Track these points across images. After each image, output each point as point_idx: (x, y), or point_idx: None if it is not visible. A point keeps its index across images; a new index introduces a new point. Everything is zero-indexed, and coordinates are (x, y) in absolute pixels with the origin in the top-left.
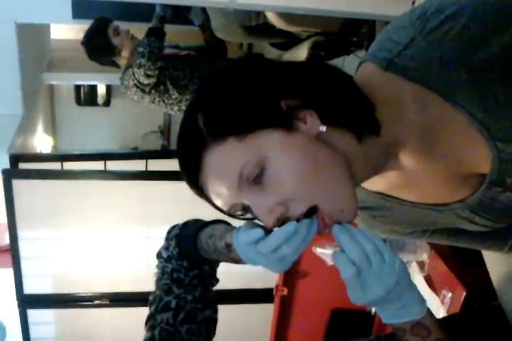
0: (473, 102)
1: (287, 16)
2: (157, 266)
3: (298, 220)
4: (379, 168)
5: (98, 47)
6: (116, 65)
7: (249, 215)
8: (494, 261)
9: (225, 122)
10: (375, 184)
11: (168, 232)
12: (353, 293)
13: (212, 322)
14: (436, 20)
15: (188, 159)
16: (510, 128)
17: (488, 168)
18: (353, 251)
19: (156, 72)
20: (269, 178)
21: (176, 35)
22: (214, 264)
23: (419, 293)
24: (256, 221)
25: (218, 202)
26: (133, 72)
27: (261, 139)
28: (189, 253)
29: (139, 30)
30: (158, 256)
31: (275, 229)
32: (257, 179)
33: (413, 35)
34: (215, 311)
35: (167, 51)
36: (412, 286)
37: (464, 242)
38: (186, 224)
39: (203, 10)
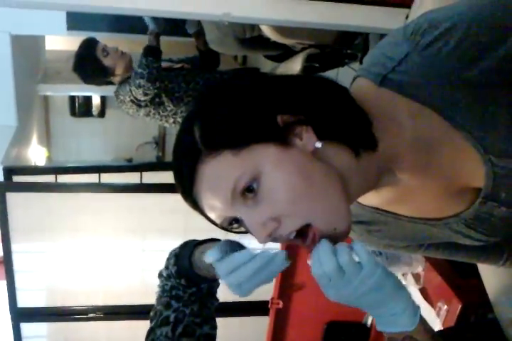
0: (467, 117)
1: (282, 29)
2: (158, 285)
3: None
4: (374, 183)
5: (92, 72)
6: (112, 83)
7: (242, 228)
8: (489, 274)
9: (220, 135)
10: (371, 199)
11: (170, 253)
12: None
13: (210, 339)
14: (430, 36)
15: (182, 170)
16: (504, 142)
17: (483, 182)
18: (326, 264)
19: (155, 91)
20: (263, 193)
21: (167, 46)
22: (213, 283)
23: (413, 306)
24: (238, 238)
25: (212, 215)
26: (130, 90)
27: (256, 154)
28: (186, 270)
29: (133, 41)
30: (160, 275)
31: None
32: (250, 193)
33: (407, 51)
34: (214, 328)
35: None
36: (403, 298)
37: (459, 256)
38: (186, 243)
39: (199, 21)
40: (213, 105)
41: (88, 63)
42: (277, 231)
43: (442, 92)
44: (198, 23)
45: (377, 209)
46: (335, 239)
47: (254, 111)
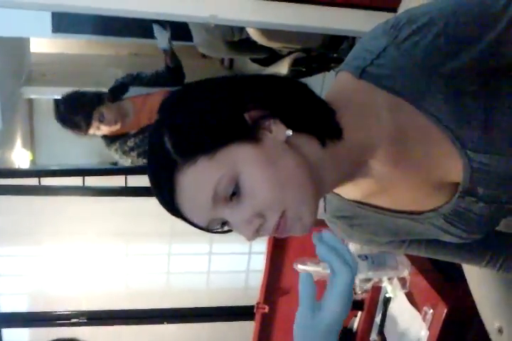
0: (443, 111)
1: (268, 32)
2: None
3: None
4: (351, 174)
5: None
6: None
7: (226, 228)
8: (474, 276)
9: (192, 142)
10: (351, 192)
11: None
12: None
13: None
14: (408, 30)
15: (160, 184)
16: (481, 137)
17: (461, 176)
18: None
19: None
20: (244, 192)
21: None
22: None
23: None
24: None
25: (196, 220)
26: None
27: (230, 154)
28: None
29: (119, 44)
30: None
31: None
32: (232, 195)
33: (386, 45)
34: None
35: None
36: None
37: (441, 254)
38: None
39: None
40: (178, 113)
41: (75, 122)
42: (263, 226)
43: (418, 85)
44: (170, 41)
45: (358, 202)
46: (301, 228)
47: (221, 112)
